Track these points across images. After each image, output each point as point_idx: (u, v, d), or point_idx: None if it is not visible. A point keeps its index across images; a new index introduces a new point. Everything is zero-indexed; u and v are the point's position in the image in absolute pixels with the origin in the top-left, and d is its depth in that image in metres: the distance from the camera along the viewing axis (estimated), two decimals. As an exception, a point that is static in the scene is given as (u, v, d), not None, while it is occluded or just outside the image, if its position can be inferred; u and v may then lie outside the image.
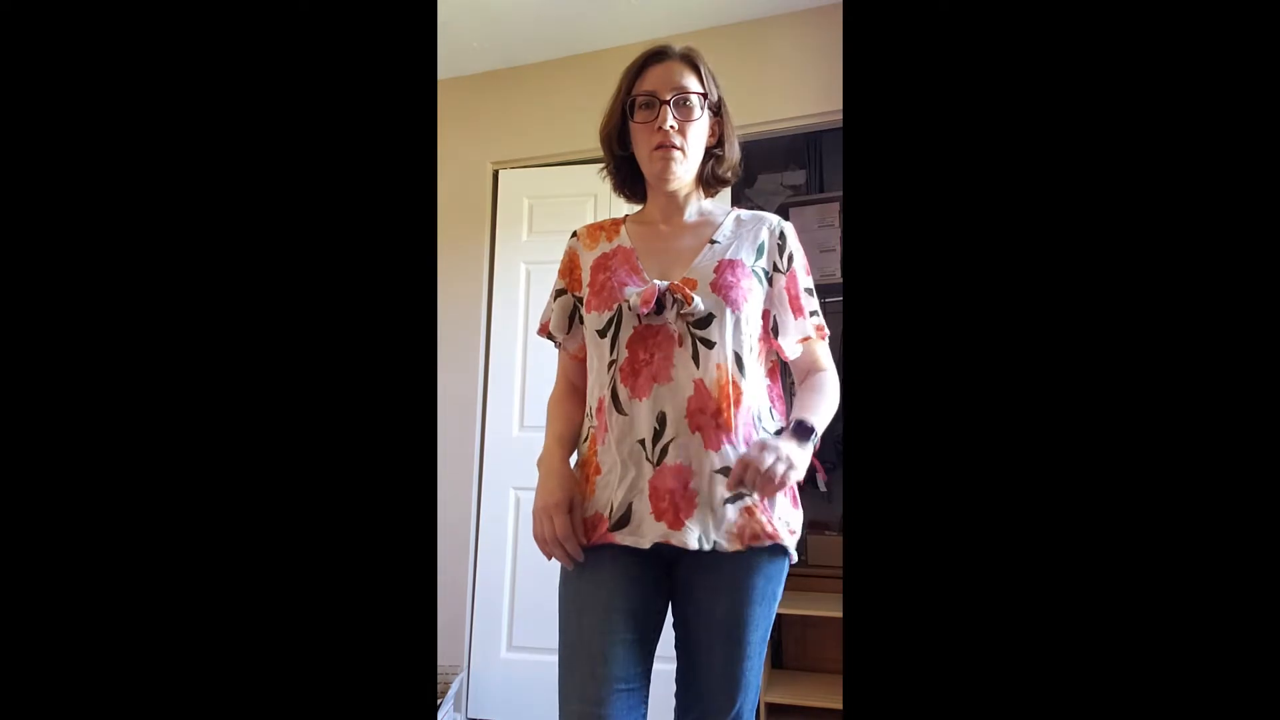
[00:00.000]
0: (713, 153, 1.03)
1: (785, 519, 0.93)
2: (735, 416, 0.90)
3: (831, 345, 1.05)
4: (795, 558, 0.95)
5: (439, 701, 2.04)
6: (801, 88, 2.19)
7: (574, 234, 1.10)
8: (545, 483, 0.96)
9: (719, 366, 0.90)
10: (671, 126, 0.96)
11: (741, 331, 0.93)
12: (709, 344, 0.91)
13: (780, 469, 0.81)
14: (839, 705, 2.13)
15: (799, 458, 0.84)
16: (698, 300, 0.91)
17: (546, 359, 1.11)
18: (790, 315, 0.99)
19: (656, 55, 1.00)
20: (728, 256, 0.97)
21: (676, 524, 0.88)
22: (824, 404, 0.95)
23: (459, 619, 2.27)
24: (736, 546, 0.88)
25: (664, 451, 0.89)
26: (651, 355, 0.91)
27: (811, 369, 1.02)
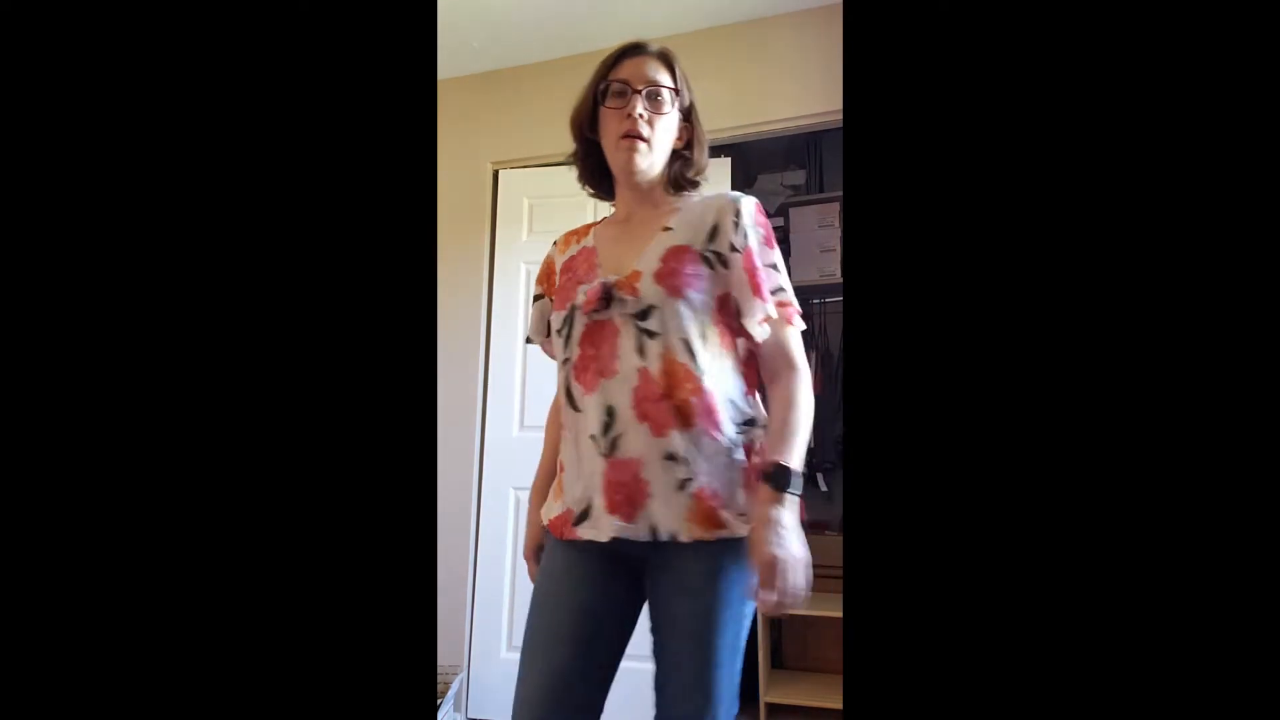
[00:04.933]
0: (680, 154, 1.03)
1: (739, 507, 0.90)
2: (693, 404, 0.88)
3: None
4: None
5: (439, 701, 2.04)
6: (801, 88, 2.19)
7: (554, 242, 1.12)
8: (528, 521, 1.08)
9: (664, 355, 0.89)
10: (640, 115, 0.96)
11: (688, 319, 0.91)
12: (652, 334, 0.90)
13: (798, 579, 0.81)
14: (839, 705, 2.13)
15: (788, 519, 0.84)
16: (641, 290, 0.90)
17: (546, 359, 1.12)
18: (749, 295, 0.93)
19: (634, 49, 1.01)
20: (676, 243, 0.95)
21: (630, 516, 0.88)
22: (798, 434, 0.90)
23: (459, 619, 2.27)
24: (695, 534, 0.87)
25: (614, 444, 0.89)
26: (599, 350, 0.92)
27: (778, 368, 0.95)
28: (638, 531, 0.88)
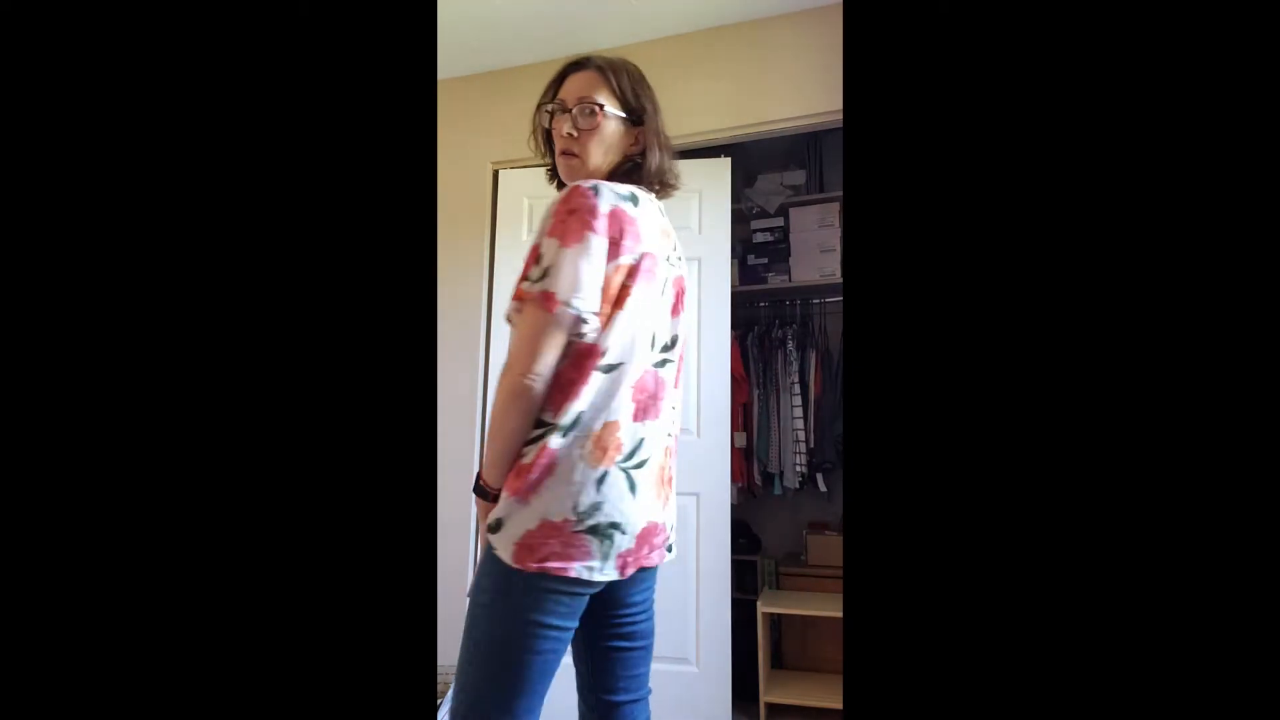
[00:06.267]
0: (633, 159, 1.04)
1: (497, 510, 0.88)
2: (492, 407, 0.91)
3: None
4: (504, 556, 0.85)
5: (439, 701, 2.04)
6: (801, 88, 2.19)
7: None
8: None
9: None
10: (569, 134, 1.01)
11: (510, 323, 0.92)
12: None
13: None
14: (839, 705, 2.13)
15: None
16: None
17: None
18: (512, 298, 0.90)
19: (575, 65, 1.05)
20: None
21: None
22: (486, 444, 0.90)
23: (459, 619, 2.26)
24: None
25: None
26: None
27: None
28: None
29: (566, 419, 0.86)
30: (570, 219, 0.90)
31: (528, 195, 2.45)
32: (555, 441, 0.86)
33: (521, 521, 0.85)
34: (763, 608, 2.27)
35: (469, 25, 2.27)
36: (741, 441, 2.67)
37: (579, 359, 0.88)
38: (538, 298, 0.87)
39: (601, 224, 0.90)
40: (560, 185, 1.11)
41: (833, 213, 2.69)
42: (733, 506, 2.20)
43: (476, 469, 2.34)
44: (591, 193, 0.91)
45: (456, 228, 2.47)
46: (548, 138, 1.10)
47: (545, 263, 0.88)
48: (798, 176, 2.86)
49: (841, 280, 2.57)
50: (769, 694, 2.21)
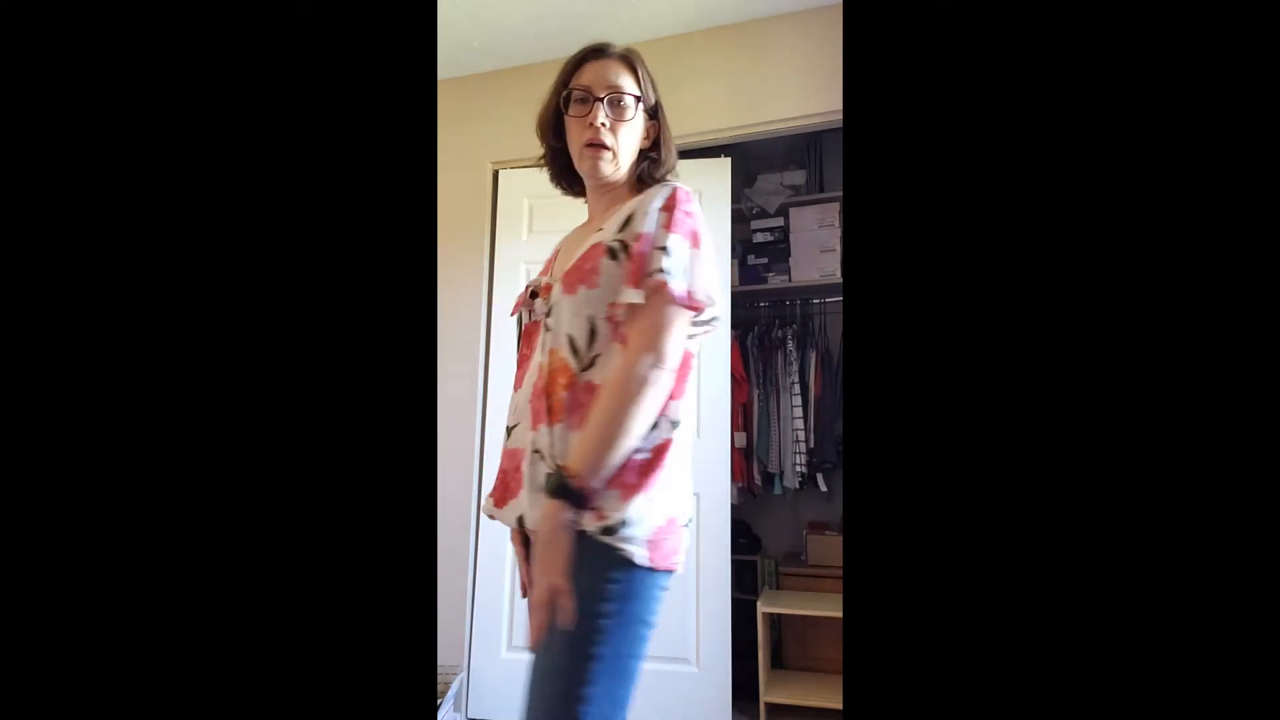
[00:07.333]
0: (648, 155, 1.02)
1: (612, 509, 0.81)
2: (565, 399, 0.86)
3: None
4: (639, 558, 0.81)
5: (439, 701, 2.04)
6: (801, 88, 2.19)
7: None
8: None
9: (552, 351, 0.90)
10: (603, 124, 0.96)
11: (575, 314, 0.88)
12: (549, 331, 0.92)
13: (545, 594, 0.78)
14: (839, 705, 2.13)
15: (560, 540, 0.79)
16: (552, 293, 0.93)
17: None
18: (626, 284, 0.87)
19: (595, 52, 1.00)
20: (596, 240, 0.92)
21: (500, 502, 0.91)
22: (586, 438, 0.82)
23: (459, 619, 2.27)
24: (549, 528, 0.81)
25: (509, 433, 0.94)
26: (530, 349, 0.97)
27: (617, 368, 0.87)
28: (505, 518, 0.91)
29: (678, 414, 0.89)
30: (689, 220, 0.91)
31: (528, 195, 2.45)
32: (675, 436, 0.87)
33: (651, 519, 0.82)
34: (763, 608, 2.27)
35: (469, 25, 2.27)
36: (741, 441, 2.67)
37: (686, 358, 0.91)
38: (675, 293, 0.85)
39: (706, 232, 0.93)
40: (564, 178, 1.07)
41: (833, 213, 2.69)
42: (733, 506, 2.20)
43: (477, 468, 2.34)
44: (696, 199, 0.95)
45: (456, 228, 2.47)
46: (556, 127, 1.04)
47: (678, 260, 0.87)
48: (798, 176, 2.86)
49: (841, 280, 2.58)
50: (769, 694, 2.21)
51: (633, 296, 0.86)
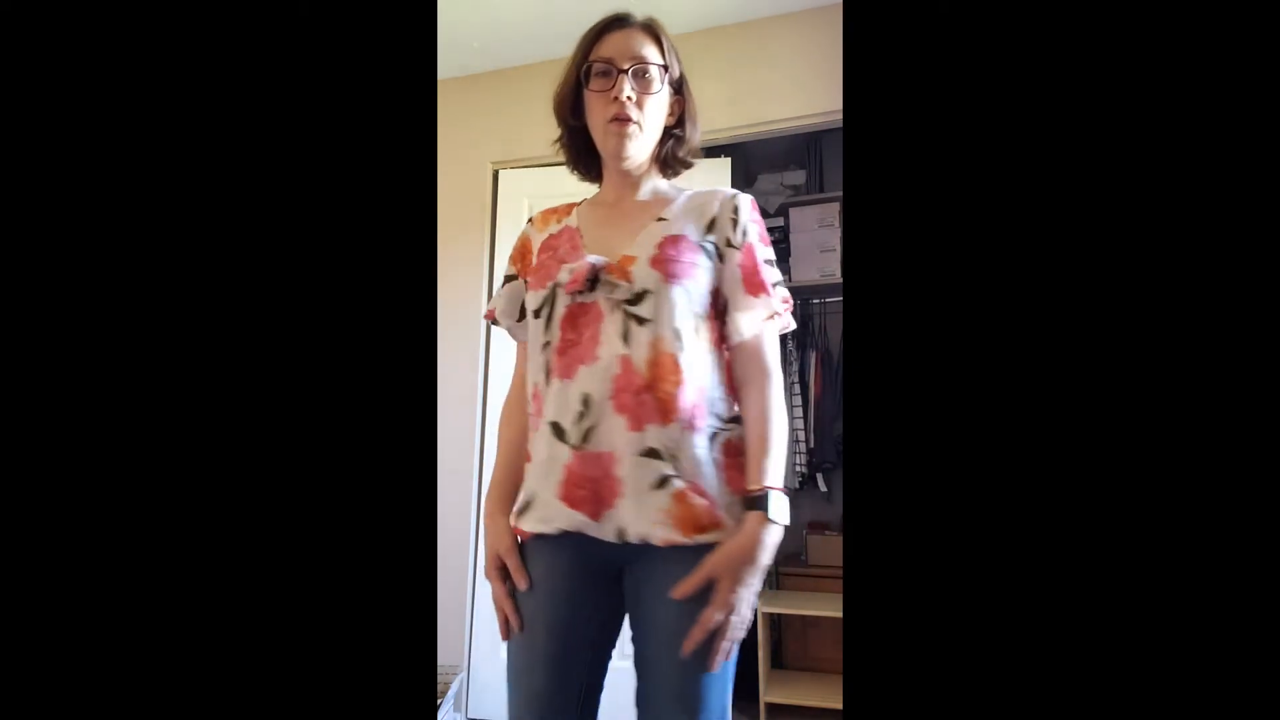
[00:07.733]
0: (672, 133, 0.97)
1: (729, 503, 0.83)
2: (677, 397, 0.82)
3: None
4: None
5: (439, 701, 2.04)
6: (801, 88, 2.19)
7: (530, 220, 1.05)
8: (486, 531, 0.94)
9: (653, 344, 0.83)
10: (629, 97, 0.89)
11: (682, 307, 0.85)
12: (641, 321, 0.84)
13: (737, 630, 0.80)
14: (839, 705, 2.13)
15: (770, 544, 0.80)
16: (635, 276, 0.85)
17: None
18: (743, 292, 0.89)
19: (617, 21, 0.94)
20: (672, 232, 0.89)
21: (595, 514, 0.82)
22: (774, 450, 0.84)
23: (459, 619, 2.27)
24: (672, 538, 0.80)
25: (586, 435, 0.82)
26: (580, 335, 0.86)
27: (751, 373, 0.89)
28: (602, 531, 0.82)
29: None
30: (767, 232, 0.97)
31: (528, 195, 2.44)
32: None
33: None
34: (763, 608, 2.27)
35: (469, 25, 2.27)
36: (742, 441, 2.66)
37: None
38: (786, 305, 0.92)
39: None
40: (582, 161, 1.01)
41: (833, 213, 2.69)
42: (733, 506, 2.20)
43: (477, 468, 2.34)
44: None
45: (456, 228, 2.47)
46: (575, 104, 0.97)
47: (776, 274, 0.93)
48: (798, 176, 2.86)
49: (841, 280, 2.58)
50: (769, 694, 2.21)
51: (773, 305, 0.90)
